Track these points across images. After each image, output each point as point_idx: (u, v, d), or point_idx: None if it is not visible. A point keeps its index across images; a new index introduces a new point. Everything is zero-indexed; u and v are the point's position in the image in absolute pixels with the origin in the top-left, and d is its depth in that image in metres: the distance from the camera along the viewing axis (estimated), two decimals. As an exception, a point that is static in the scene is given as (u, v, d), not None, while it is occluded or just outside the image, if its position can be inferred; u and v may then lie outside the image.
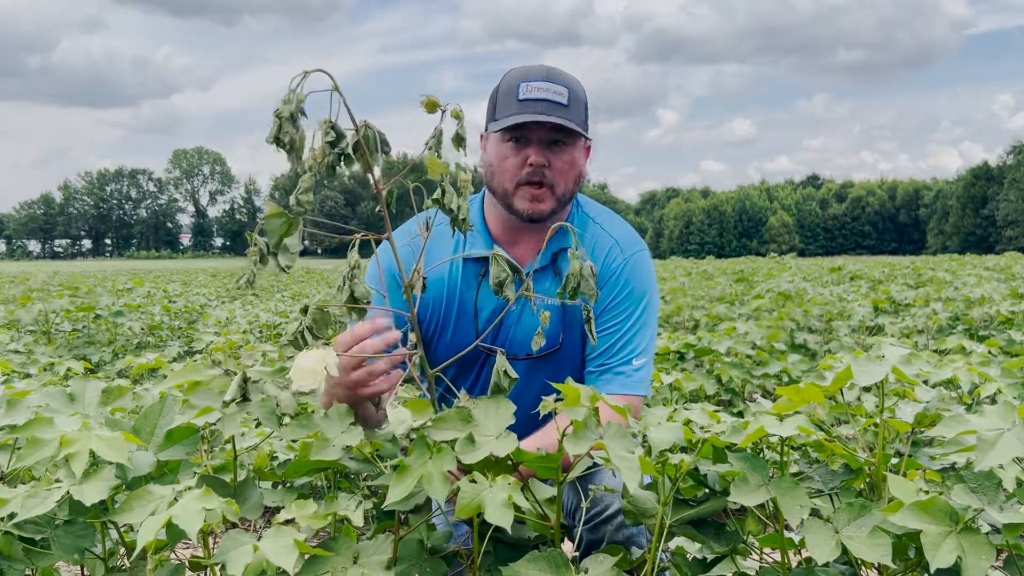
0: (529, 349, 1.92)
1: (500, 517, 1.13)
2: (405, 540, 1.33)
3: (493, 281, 1.36)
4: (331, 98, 1.16)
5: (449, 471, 1.16)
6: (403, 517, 1.36)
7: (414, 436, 1.23)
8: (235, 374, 1.29)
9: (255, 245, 1.19)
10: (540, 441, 1.54)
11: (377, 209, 1.28)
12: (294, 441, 1.28)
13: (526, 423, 1.31)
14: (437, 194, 1.29)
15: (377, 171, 1.22)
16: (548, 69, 1.83)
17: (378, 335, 1.44)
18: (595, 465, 1.42)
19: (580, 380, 1.85)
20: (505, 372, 1.34)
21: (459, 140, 1.27)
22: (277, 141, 1.14)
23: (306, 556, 1.18)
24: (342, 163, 1.19)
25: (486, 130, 1.88)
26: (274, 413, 1.28)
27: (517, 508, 1.15)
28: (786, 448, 1.44)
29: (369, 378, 1.44)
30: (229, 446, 1.40)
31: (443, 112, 1.24)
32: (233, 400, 1.25)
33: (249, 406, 1.26)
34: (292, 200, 1.19)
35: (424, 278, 1.35)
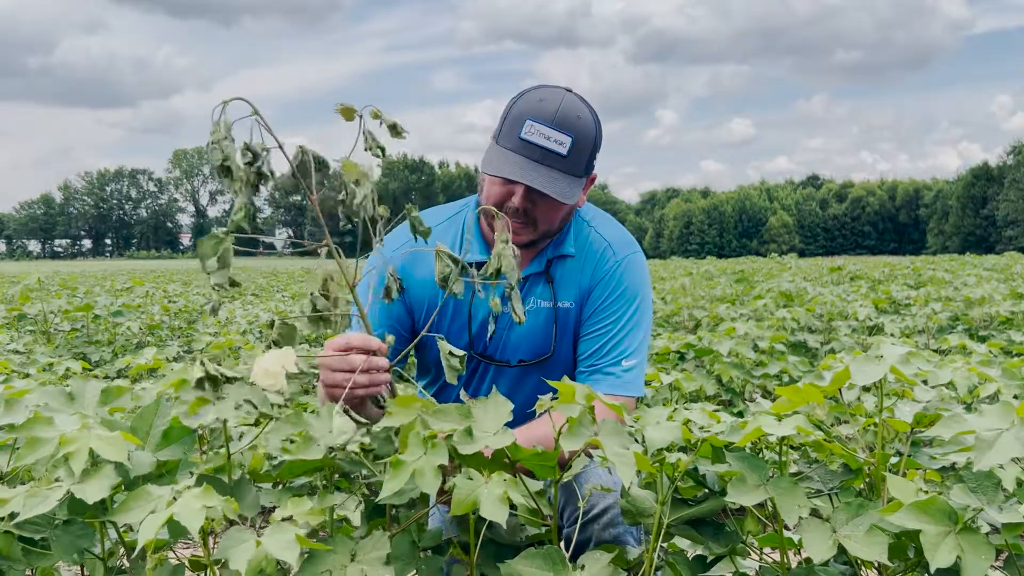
0: (522, 355, 1.92)
1: (495, 512, 1.13)
2: (398, 538, 1.33)
3: (438, 276, 1.37)
4: (260, 122, 1.23)
5: (441, 465, 1.16)
6: (394, 513, 1.36)
7: (355, 450, 1.27)
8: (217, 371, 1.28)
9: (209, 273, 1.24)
10: (529, 432, 1.53)
11: (352, 223, 1.34)
12: (291, 442, 1.28)
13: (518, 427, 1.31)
14: (342, 195, 1.33)
15: (314, 187, 1.29)
16: (563, 108, 1.74)
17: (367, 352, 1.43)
18: (586, 464, 1.41)
19: None
20: (451, 353, 1.38)
21: (393, 129, 1.33)
22: (224, 170, 1.21)
23: (306, 554, 1.18)
24: (261, 182, 1.24)
25: (495, 135, 1.82)
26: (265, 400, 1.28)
27: (511, 504, 1.15)
28: (785, 448, 1.44)
29: (345, 382, 1.41)
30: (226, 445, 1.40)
31: (360, 117, 1.29)
32: (199, 385, 1.25)
33: (227, 392, 1.26)
34: (229, 222, 1.25)
35: (401, 286, 1.40)
